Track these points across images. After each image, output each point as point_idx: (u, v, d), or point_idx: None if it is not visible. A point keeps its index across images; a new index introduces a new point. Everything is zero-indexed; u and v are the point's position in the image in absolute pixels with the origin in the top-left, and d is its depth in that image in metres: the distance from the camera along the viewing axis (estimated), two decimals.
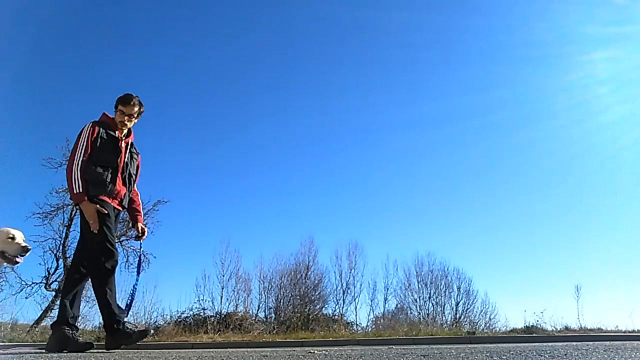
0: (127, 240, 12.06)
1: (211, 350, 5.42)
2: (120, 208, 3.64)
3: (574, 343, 4.55)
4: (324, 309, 12.99)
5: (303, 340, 6.81)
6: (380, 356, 2.38)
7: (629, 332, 7.86)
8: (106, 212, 3.35)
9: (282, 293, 12.44)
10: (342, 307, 13.85)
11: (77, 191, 3.27)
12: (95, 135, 3.45)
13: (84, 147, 3.37)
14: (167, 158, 20.03)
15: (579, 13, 18.08)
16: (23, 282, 11.14)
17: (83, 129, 3.46)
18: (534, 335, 6.94)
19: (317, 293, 12.83)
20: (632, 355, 2.25)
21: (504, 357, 2.27)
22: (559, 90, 20.33)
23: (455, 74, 21.83)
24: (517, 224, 20.15)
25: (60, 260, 11.58)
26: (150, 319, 10.60)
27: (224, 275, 11.99)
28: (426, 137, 22.78)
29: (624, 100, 18.25)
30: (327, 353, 2.77)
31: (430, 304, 14.97)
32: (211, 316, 10.40)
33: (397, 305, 15.14)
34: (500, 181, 21.84)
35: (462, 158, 21.58)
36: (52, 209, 11.61)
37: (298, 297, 12.34)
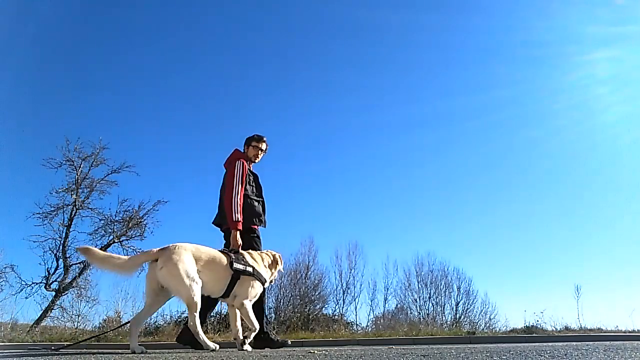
0: (127, 240, 12.10)
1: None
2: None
3: (574, 343, 4.55)
4: (324, 309, 13.00)
5: (303, 340, 6.81)
6: (380, 356, 2.38)
7: (629, 332, 7.86)
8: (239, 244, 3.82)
9: (282, 293, 12.44)
10: (342, 307, 13.85)
11: (236, 220, 3.80)
12: (245, 171, 4.02)
13: (239, 182, 3.93)
14: (167, 158, 20.07)
15: (580, 13, 18.12)
16: (23, 282, 11.16)
17: (236, 165, 3.98)
18: (534, 335, 6.94)
19: (317, 293, 12.83)
20: (632, 355, 2.25)
21: (504, 357, 2.27)
22: (559, 90, 20.40)
23: (455, 74, 21.88)
24: (517, 223, 20.17)
25: (60, 260, 11.59)
26: (150, 319, 10.60)
27: None
28: (426, 137, 22.80)
29: (624, 100, 18.28)
30: (327, 353, 2.77)
31: (430, 304, 14.97)
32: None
33: (397, 305, 15.15)
34: (500, 181, 21.86)
35: (462, 158, 21.59)
36: (52, 209, 11.62)
37: (298, 297, 12.33)
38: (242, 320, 3.44)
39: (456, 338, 6.46)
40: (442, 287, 15.05)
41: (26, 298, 11.07)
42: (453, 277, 15.17)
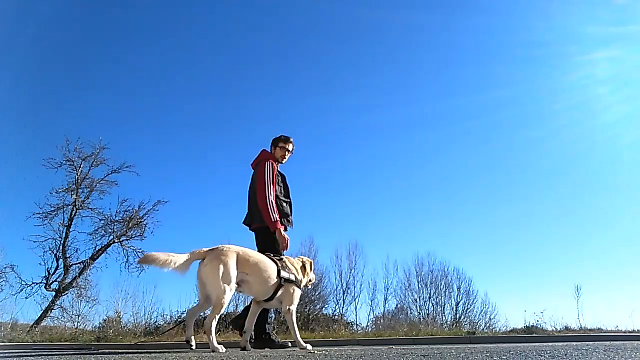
0: (127, 240, 12.09)
1: (211, 350, 5.42)
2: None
3: (574, 343, 4.55)
4: (324, 309, 12.99)
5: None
6: (380, 356, 2.38)
7: (629, 332, 7.85)
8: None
9: None
10: (342, 307, 13.85)
11: (275, 219, 3.89)
12: (275, 172, 4.08)
13: (271, 182, 3.99)
14: (167, 158, 20.07)
15: (580, 13, 18.11)
16: (23, 282, 11.16)
17: (266, 166, 4.04)
18: (534, 335, 6.93)
19: (317, 293, 12.81)
20: (632, 355, 2.25)
21: (504, 357, 2.26)
22: (559, 90, 20.39)
23: (455, 74, 21.88)
24: (517, 223, 20.17)
25: (60, 260, 11.59)
26: (150, 319, 10.60)
27: None
28: (426, 137, 22.80)
29: (624, 100, 18.27)
30: (327, 353, 2.77)
31: (430, 304, 14.96)
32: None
33: (397, 305, 15.15)
34: (500, 181, 21.86)
35: (462, 158, 21.59)
36: (52, 209, 11.62)
37: None
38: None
39: (456, 338, 6.46)
40: (442, 287, 15.06)
41: (26, 298, 11.08)
42: (453, 277, 15.19)
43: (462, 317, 14.61)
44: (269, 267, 3.35)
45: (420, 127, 22.53)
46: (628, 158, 18.57)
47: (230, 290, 3.07)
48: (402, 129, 22.61)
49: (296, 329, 3.50)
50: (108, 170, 12.25)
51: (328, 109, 22.35)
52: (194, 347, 3.30)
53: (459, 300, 14.93)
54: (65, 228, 11.72)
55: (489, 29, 20.68)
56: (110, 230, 12.00)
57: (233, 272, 3.10)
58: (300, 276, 3.63)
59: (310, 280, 3.85)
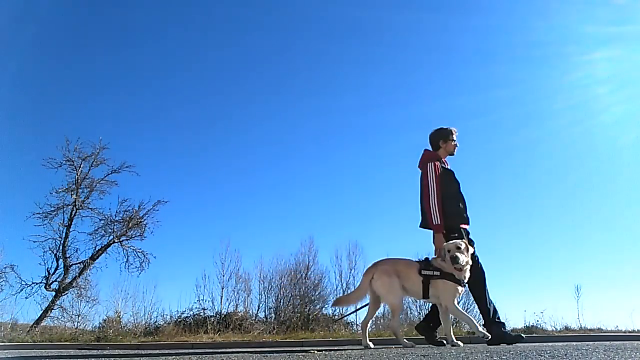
0: (127, 240, 12.10)
1: (211, 350, 5.43)
2: (467, 227, 4.18)
3: (574, 343, 4.54)
4: (324, 309, 12.98)
5: (303, 340, 6.81)
6: (380, 356, 2.38)
7: (629, 332, 7.85)
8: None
9: (282, 293, 12.42)
10: (342, 307, 13.84)
11: (436, 222, 3.92)
12: (438, 172, 4.05)
13: (435, 181, 3.99)
14: (167, 158, 20.07)
15: (579, 13, 18.08)
16: (23, 282, 11.19)
17: (429, 168, 4.06)
18: (534, 335, 6.93)
19: (317, 293, 12.79)
20: (632, 355, 2.25)
21: (504, 357, 2.27)
22: (559, 90, 20.37)
23: (455, 74, 21.85)
24: (517, 223, 20.11)
25: (60, 260, 11.60)
26: (150, 319, 10.61)
27: (224, 275, 11.97)
28: (426, 137, 22.73)
29: (624, 100, 18.24)
30: (327, 353, 2.77)
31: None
32: (211, 316, 10.39)
33: None
34: (500, 181, 21.80)
35: (462, 158, 21.49)
36: (52, 209, 11.64)
37: (298, 297, 12.32)
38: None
39: (456, 338, 6.44)
40: None
41: (26, 298, 11.11)
42: None
43: None
44: (413, 268, 3.68)
45: (421, 127, 22.46)
46: (628, 158, 18.55)
47: (398, 293, 3.64)
48: (402, 129, 22.58)
49: (445, 322, 3.86)
50: (108, 170, 12.29)
51: (328, 109, 22.35)
52: (372, 346, 3.73)
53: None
54: (65, 228, 11.74)
55: (488, 29, 20.69)
56: (110, 230, 12.03)
57: (395, 278, 3.63)
58: (448, 265, 3.63)
59: (458, 265, 3.58)
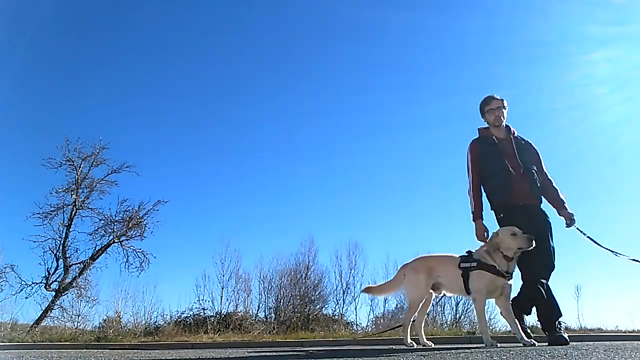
0: (127, 240, 12.10)
1: (211, 350, 5.43)
2: (530, 201, 3.74)
3: (574, 343, 4.54)
4: (324, 309, 12.97)
5: (303, 340, 6.80)
6: (380, 356, 2.38)
7: (629, 332, 7.84)
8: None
9: (282, 293, 12.43)
10: (342, 307, 13.80)
11: (471, 210, 3.79)
12: (476, 153, 3.86)
13: (470, 168, 3.88)
14: (167, 158, 20.06)
15: (579, 13, 18.05)
16: (23, 282, 11.16)
17: (466, 154, 3.94)
18: (534, 335, 6.92)
19: (317, 293, 12.81)
20: (632, 355, 2.25)
21: (504, 357, 2.27)
22: (559, 90, 20.31)
23: (455, 75, 21.81)
24: None
25: (60, 260, 11.59)
26: (150, 319, 10.61)
27: (224, 275, 11.99)
28: (426, 137, 22.72)
29: (624, 100, 18.21)
30: (327, 353, 2.77)
31: (430, 304, 14.94)
32: (211, 316, 10.40)
33: (397, 305, 15.10)
34: None
35: (462, 158, 21.53)
36: (52, 209, 11.62)
37: (298, 297, 12.33)
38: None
39: (456, 338, 6.44)
40: None
41: (26, 298, 11.09)
42: None
43: (462, 317, 14.56)
44: (452, 262, 3.50)
45: (421, 127, 22.48)
46: (628, 158, 18.52)
47: (420, 291, 3.54)
48: (402, 129, 22.57)
49: (478, 318, 3.39)
50: (108, 170, 12.26)
51: (328, 109, 22.32)
52: (415, 345, 3.68)
53: (459, 300, 14.91)
54: (65, 228, 11.72)
55: (489, 29, 20.66)
56: (110, 230, 12.00)
57: (423, 276, 3.52)
58: (496, 255, 3.34)
59: (498, 251, 3.35)
